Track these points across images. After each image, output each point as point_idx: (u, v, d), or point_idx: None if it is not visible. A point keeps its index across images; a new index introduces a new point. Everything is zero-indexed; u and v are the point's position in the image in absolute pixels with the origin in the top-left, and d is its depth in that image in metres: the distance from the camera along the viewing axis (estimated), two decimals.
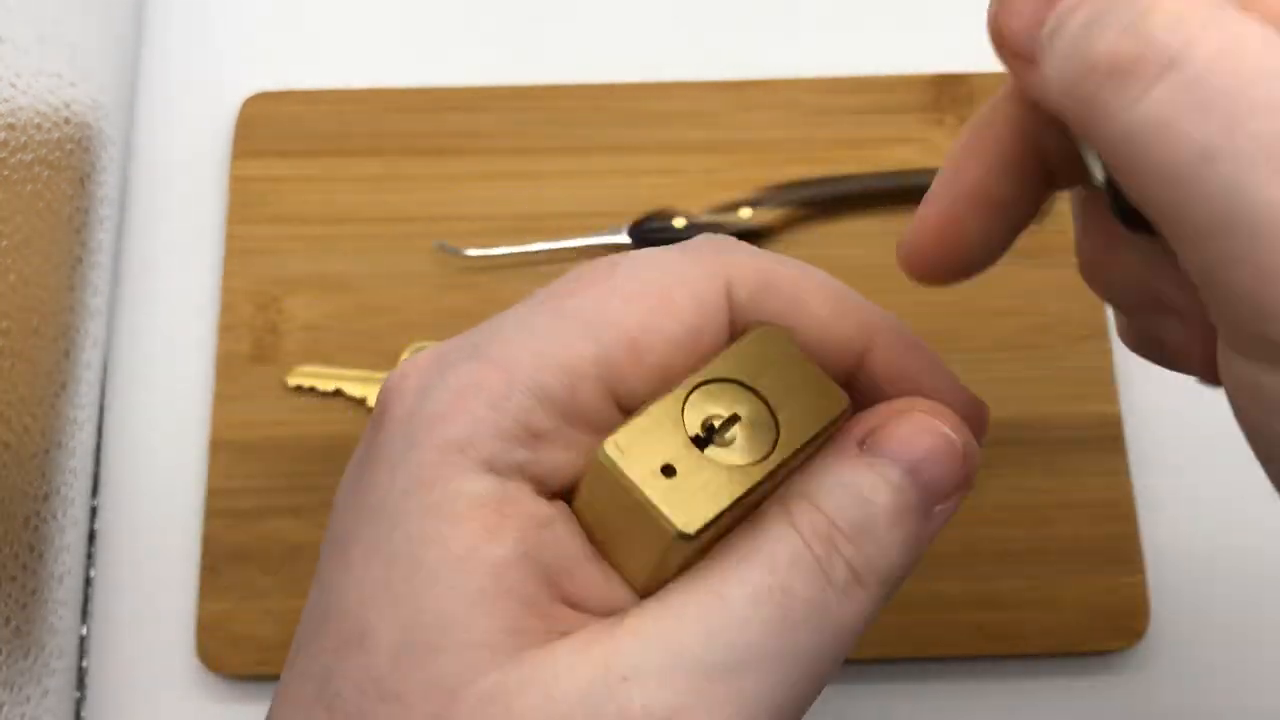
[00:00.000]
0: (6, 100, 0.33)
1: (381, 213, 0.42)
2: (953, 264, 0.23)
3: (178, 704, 0.38)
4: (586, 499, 0.22)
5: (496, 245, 0.41)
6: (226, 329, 0.41)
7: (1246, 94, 0.16)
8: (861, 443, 0.22)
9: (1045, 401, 0.40)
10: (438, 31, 0.46)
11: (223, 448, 0.39)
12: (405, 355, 0.40)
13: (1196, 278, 0.18)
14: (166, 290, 0.42)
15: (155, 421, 0.41)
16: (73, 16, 0.39)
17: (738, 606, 0.20)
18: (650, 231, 0.41)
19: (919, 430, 0.22)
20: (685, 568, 0.22)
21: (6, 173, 0.33)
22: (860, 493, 0.21)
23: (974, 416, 0.23)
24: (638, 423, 0.21)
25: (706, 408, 0.22)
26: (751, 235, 0.41)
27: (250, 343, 0.40)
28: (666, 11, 0.46)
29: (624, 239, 0.41)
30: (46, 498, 0.35)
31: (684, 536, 0.20)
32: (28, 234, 0.34)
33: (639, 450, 0.21)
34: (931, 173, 0.45)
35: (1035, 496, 0.39)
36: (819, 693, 0.22)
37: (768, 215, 0.41)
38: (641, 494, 0.20)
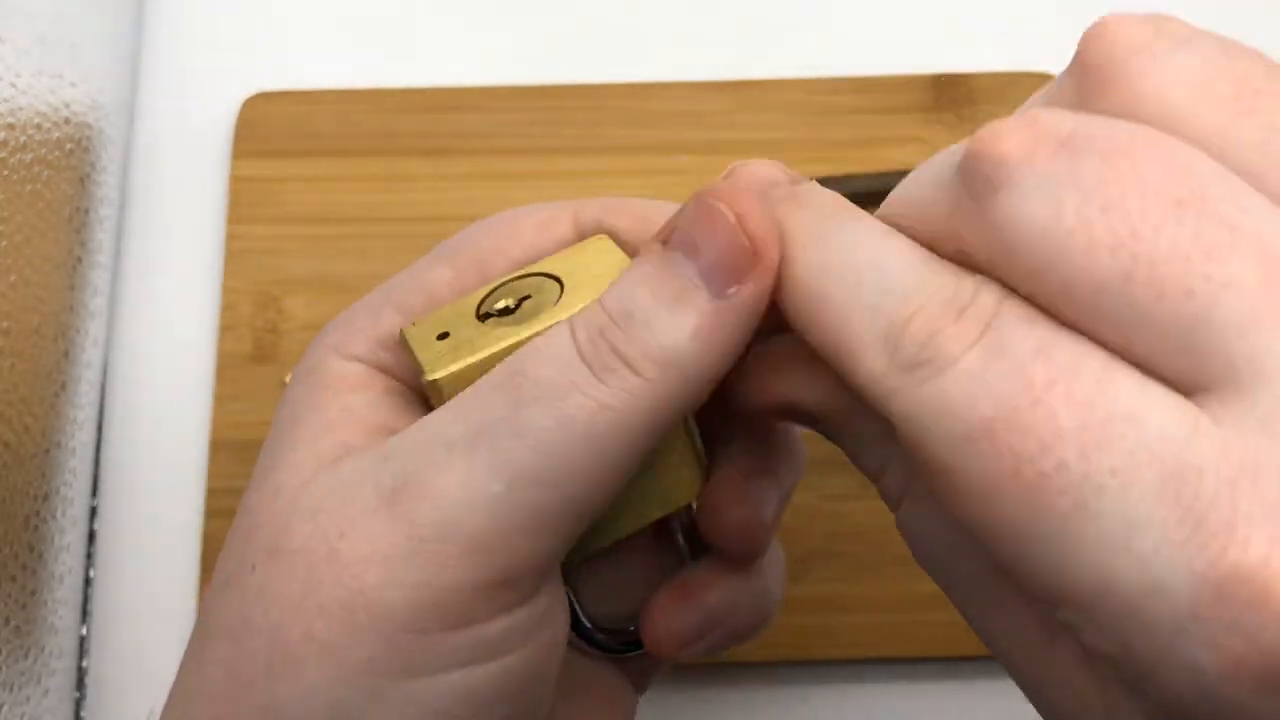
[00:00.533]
0: (6, 100, 0.33)
1: (382, 213, 0.42)
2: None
3: None
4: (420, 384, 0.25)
5: None
6: (226, 329, 0.41)
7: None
8: (665, 241, 0.23)
9: None
10: (438, 31, 0.46)
11: (223, 448, 0.39)
12: None
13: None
14: (166, 290, 0.42)
15: (155, 421, 0.41)
16: (73, 16, 0.39)
17: (483, 388, 0.23)
18: None
19: (695, 212, 0.23)
20: None
21: (6, 173, 0.33)
22: (640, 280, 0.23)
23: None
24: (441, 309, 0.25)
25: (513, 296, 0.25)
26: None
27: (250, 343, 0.40)
28: (666, 12, 0.46)
29: None
30: (46, 497, 0.35)
31: (433, 382, 0.23)
32: (28, 234, 0.34)
33: (430, 324, 0.25)
34: None
35: None
36: (587, 496, 0.22)
37: None
38: (411, 350, 0.24)
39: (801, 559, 0.38)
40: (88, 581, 0.39)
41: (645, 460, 0.23)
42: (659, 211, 0.26)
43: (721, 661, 0.37)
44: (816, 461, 0.39)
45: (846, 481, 0.39)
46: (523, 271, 0.25)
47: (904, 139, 0.43)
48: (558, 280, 0.25)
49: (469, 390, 0.23)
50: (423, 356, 0.24)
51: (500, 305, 0.25)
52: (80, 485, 0.38)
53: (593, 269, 0.24)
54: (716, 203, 0.22)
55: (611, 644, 0.28)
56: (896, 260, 0.20)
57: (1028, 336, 0.18)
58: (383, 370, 0.26)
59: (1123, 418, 0.17)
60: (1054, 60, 0.43)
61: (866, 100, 0.43)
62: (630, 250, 0.25)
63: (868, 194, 0.42)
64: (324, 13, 0.46)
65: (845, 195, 0.22)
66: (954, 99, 0.43)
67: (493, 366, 0.23)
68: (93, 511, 0.40)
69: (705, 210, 0.22)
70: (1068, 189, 0.17)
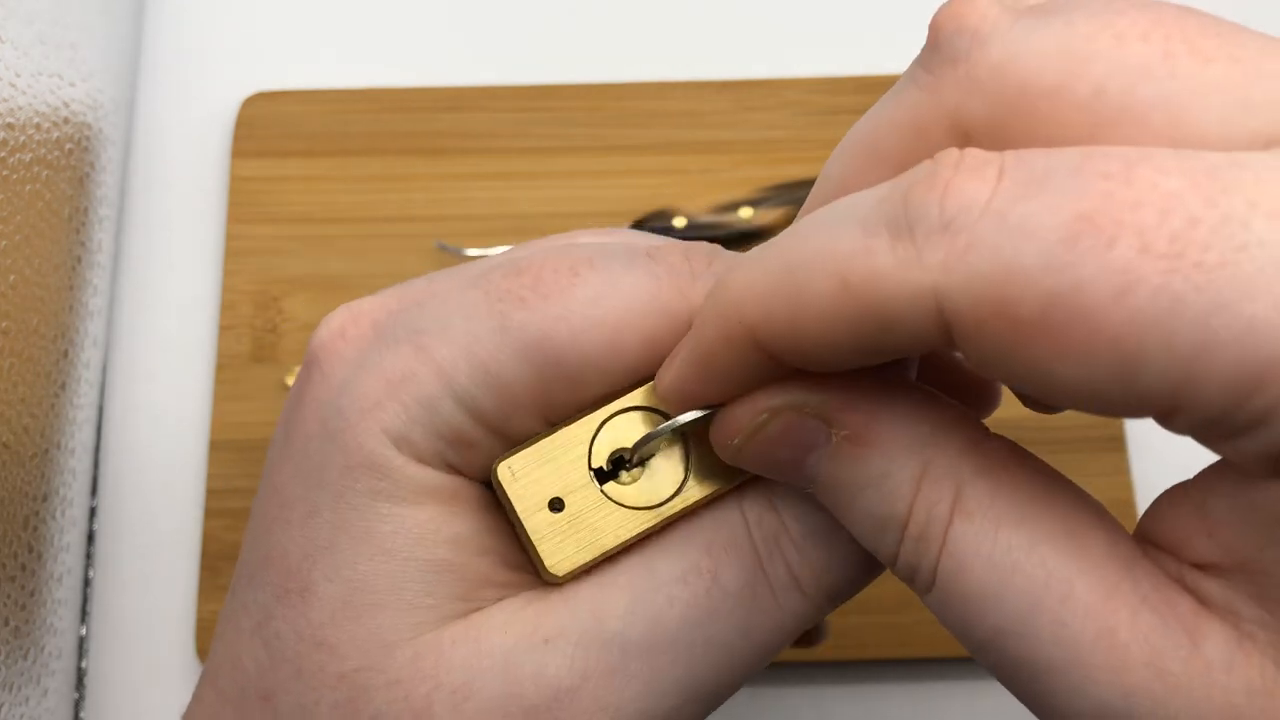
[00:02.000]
0: (6, 100, 0.33)
1: (381, 213, 0.42)
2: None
3: (177, 704, 0.38)
4: (502, 504, 0.22)
5: (496, 245, 0.41)
6: (226, 329, 0.41)
7: (980, 592, 0.17)
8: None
9: None
10: (437, 31, 0.46)
11: (223, 448, 0.39)
12: None
13: None
14: (166, 290, 0.42)
15: (155, 421, 0.41)
16: (72, 16, 0.39)
17: (663, 583, 0.20)
18: (651, 232, 0.41)
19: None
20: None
21: (6, 172, 0.33)
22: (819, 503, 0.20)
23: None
24: (541, 445, 0.21)
25: (624, 434, 0.21)
26: (752, 235, 0.41)
27: (250, 342, 0.40)
28: (667, 11, 0.46)
29: None
30: (46, 498, 0.35)
31: (553, 577, 0.20)
32: (27, 234, 0.34)
33: (534, 476, 0.21)
34: None
35: None
36: (737, 687, 0.21)
37: (768, 215, 0.41)
38: (522, 525, 0.20)
39: None
40: (87, 582, 0.39)
41: None
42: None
43: None
44: None
45: None
46: (628, 404, 0.21)
47: None
48: (681, 434, 0.21)
49: (647, 577, 0.20)
50: (540, 543, 0.20)
51: (615, 456, 0.21)
52: (79, 485, 0.38)
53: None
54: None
55: None
56: (849, 197, 0.16)
57: (1052, 153, 0.15)
58: (454, 470, 0.21)
59: (1227, 164, 0.14)
60: None
61: (866, 100, 0.43)
62: None
63: None
64: (323, 13, 0.46)
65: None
66: None
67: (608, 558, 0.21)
68: (92, 512, 0.40)
69: None
70: (1074, 9, 0.16)
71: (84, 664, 0.38)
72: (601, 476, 0.21)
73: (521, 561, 0.22)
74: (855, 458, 0.18)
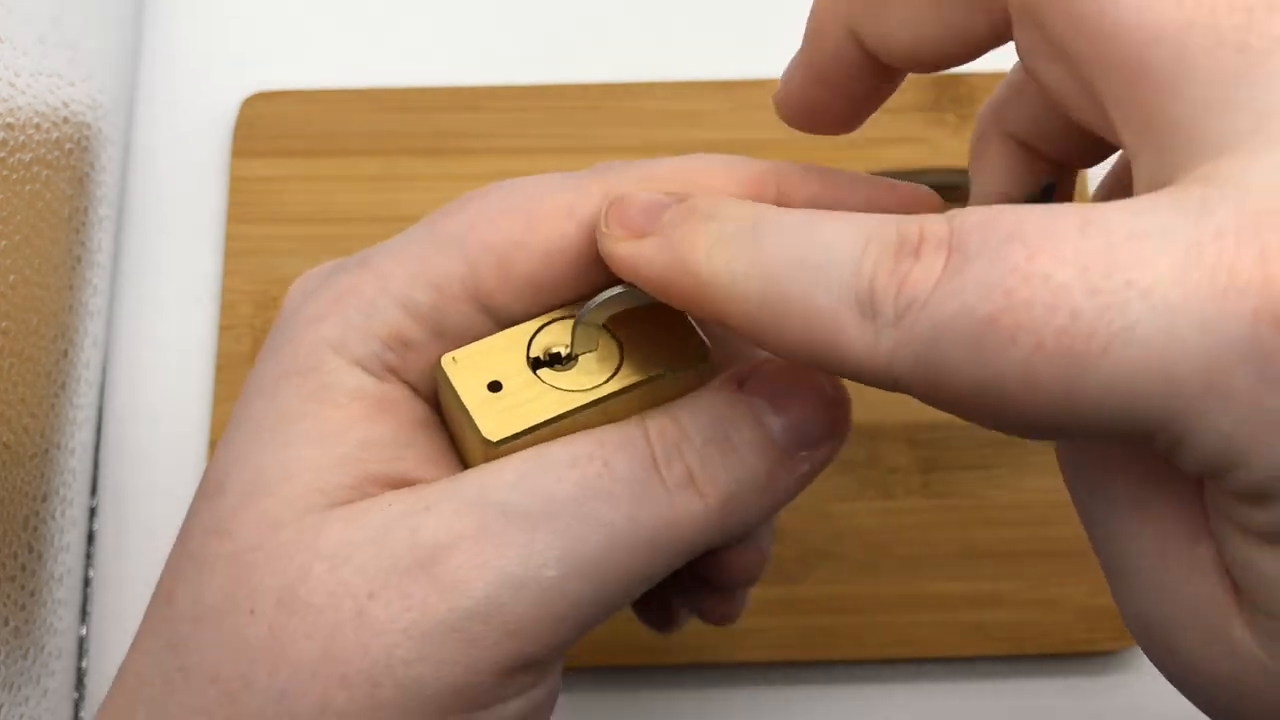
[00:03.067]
0: (6, 100, 0.33)
1: (381, 212, 0.42)
2: (820, 124, 0.24)
3: None
4: (441, 403, 0.24)
5: None
6: (226, 329, 0.41)
7: None
8: (741, 382, 0.23)
9: None
10: (438, 31, 0.46)
11: None
12: None
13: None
14: (166, 290, 0.42)
15: (155, 421, 0.41)
16: (72, 16, 0.39)
17: (553, 463, 0.21)
18: None
19: (793, 372, 0.23)
20: None
21: (6, 172, 0.33)
22: (720, 413, 0.22)
23: (914, 199, 0.24)
24: (485, 341, 0.23)
25: (561, 339, 0.23)
26: None
27: (250, 342, 0.40)
28: (667, 11, 0.46)
29: None
30: (45, 498, 0.35)
31: (489, 443, 0.22)
32: (27, 234, 0.34)
33: (475, 364, 0.23)
34: (932, 173, 0.45)
35: (1035, 496, 0.39)
36: (635, 585, 0.22)
37: None
38: (461, 402, 0.22)
39: (801, 559, 0.38)
40: (87, 582, 0.39)
41: None
42: (705, 174, 0.25)
43: (722, 661, 0.37)
44: None
45: (846, 482, 0.39)
46: (569, 311, 0.23)
47: (904, 139, 0.43)
48: (616, 339, 0.23)
49: (536, 459, 0.22)
50: (477, 413, 0.22)
51: (554, 352, 0.23)
52: (79, 485, 0.38)
53: (655, 337, 0.23)
54: (812, 374, 0.23)
55: None
56: (833, 230, 0.19)
57: (987, 228, 0.17)
58: (391, 373, 0.23)
59: (1126, 235, 0.16)
60: None
61: None
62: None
63: None
64: (323, 12, 0.46)
65: None
66: (954, 99, 0.43)
67: (553, 432, 0.22)
68: (92, 512, 0.40)
69: (799, 376, 0.23)
70: None
71: (84, 664, 0.38)
72: (538, 366, 0.23)
73: (433, 475, 0.23)
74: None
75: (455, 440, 0.24)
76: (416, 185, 0.42)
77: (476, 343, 0.23)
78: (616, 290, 0.22)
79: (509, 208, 0.23)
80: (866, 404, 0.40)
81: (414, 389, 0.23)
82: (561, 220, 0.23)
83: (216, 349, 0.40)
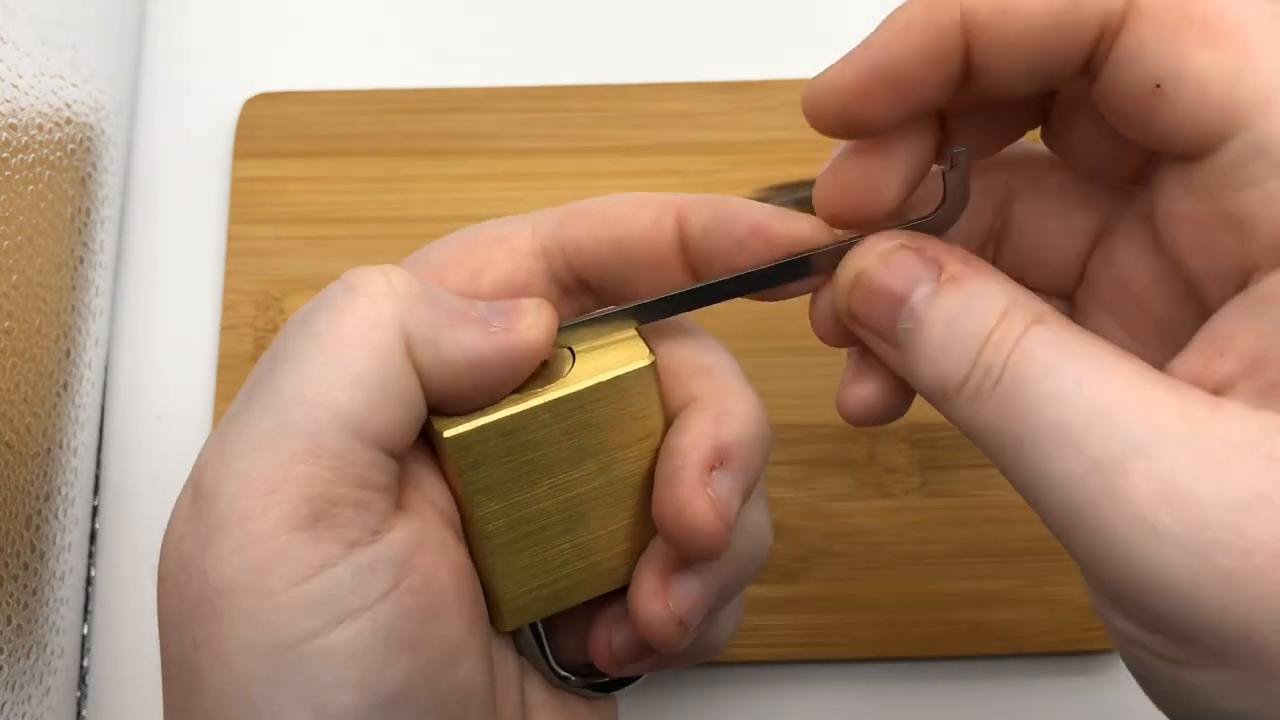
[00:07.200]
0: (8, 101, 0.33)
1: (382, 213, 0.42)
2: (852, 126, 0.25)
3: None
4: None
5: None
6: (228, 329, 0.41)
7: (1038, 390, 0.21)
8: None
9: None
10: (438, 32, 0.46)
11: None
12: None
13: (1063, 538, 0.21)
14: (168, 290, 0.42)
15: (157, 421, 0.41)
16: (74, 18, 0.39)
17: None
18: None
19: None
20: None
21: (9, 173, 0.33)
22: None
23: (798, 232, 0.25)
24: None
25: None
26: None
27: (252, 343, 0.40)
28: (667, 12, 0.46)
29: None
30: (48, 497, 0.36)
31: (445, 439, 0.24)
32: (29, 234, 0.34)
33: None
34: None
35: None
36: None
37: None
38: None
39: (801, 559, 0.38)
40: (89, 580, 0.39)
41: (560, 537, 0.26)
42: (618, 211, 0.26)
43: (722, 661, 0.37)
44: (817, 461, 0.39)
45: (846, 481, 0.39)
46: None
47: None
48: (570, 351, 0.26)
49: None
50: (435, 417, 0.25)
51: None
52: (82, 484, 0.38)
53: (607, 351, 0.26)
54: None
55: (584, 685, 0.29)
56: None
57: None
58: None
59: None
60: None
61: None
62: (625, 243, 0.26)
63: None
64: (324, 14, 0.46)
65: None
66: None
67: (506, 430, 0.24)
68: (94, 511, 0.40)
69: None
70: None
71: (86, 662, 0.38)
72: None
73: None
74: (955, 293, 0.22)
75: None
76: (418, 186, 0.42)
77: None
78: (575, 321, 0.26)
79: (450, 239, 0.27)
80: None
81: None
82: (492, 246, 0.26)
83: (218, 349, 0.41)
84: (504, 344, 0.24)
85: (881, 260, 0.23)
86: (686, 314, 0.27)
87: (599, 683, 0.29)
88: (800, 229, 0.25)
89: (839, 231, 0.25)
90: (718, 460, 0.25)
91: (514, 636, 0.27)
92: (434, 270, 0.26)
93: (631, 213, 0.26)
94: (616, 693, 0.29)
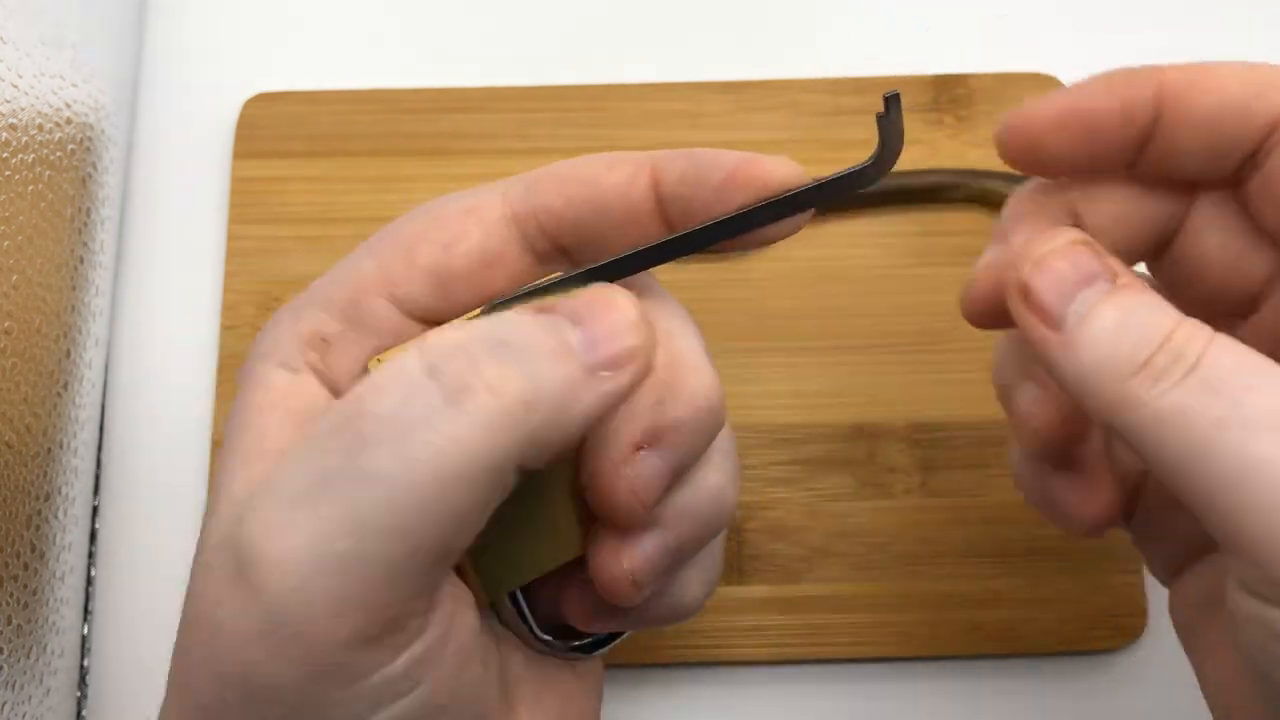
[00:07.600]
0: (8, 101, 0.33)
1: (382, 213, 0.42)
2: (1038, 157, 0.25)
3: None
4: None
5: None
6: (228, 329, 0.41)
7: (1241, 381, 0.21)
8: (541, 309, 0.24)
9: None
10: (438, 32, 0.46)
11: None
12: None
13: (1217, 533, 0.21)
14: (168, 290, 0.42)
15: (157, 421, 0.41)
16: (74, 18, 0.39)
17: (322, 432, 0.22)
18: None
19: (598, 292, 0.24)
20: None
21: (8, 173, 0.33)
22: (513, 317, 0.23)
23: (771, 172, 0.26)
24: (406, 342, 0.26)
25: None
26: None
27: (252, 342, 0.40)
28: (667, 12, 0.46)
29: None
30: (48, 497, 0.36)
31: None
32: (29, 234, 0.34)
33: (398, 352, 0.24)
34: (932, 173, 0.44)
35: None
36: (440, 530, 0.21)
37: None
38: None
39: (801, 559, 0.38)
40: (89, 581, 0.39)
41: (525, 508, 0.24)
42: (590, 170, 0.26)
43: (721, 661, 0.37)
44: (816, 461, 0.39)
45: (846, 481, 0.39)
46: (494, 301, 0.26)
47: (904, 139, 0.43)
48: None
49: (310, 435, 0.22)
50: None
51: None
52: (82, 484, 0.38)
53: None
54: (615, 296, 0.24)
55: (566, 648, 0.28)
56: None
57: None
58: (312, 369, 0.26)
59: None
60: (1053, 60, 0.43)
61: (866, 100, 0.43)
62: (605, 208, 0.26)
63: (869, 194, 0.42)
64: (324, 14, 0.46)
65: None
66: (954, 99, 0.43)
67: None
68: (94, 511, 0.40)
69: (599, 298, 0.24)
70: None
71: (86, 662, 0.38)
72: None
73: None
74: (1131, 295, 0.23)
75: None
76: (418, 187, 0.42)
77: (398, 345, 0.26)
78: (526, 287, 0.25)
79: (417, 214, 0.27)
80: (865, 403, 0.40)
81: (334, 386, 0.26)
82: (461, 218, 0.26)
83: (218, 349, 0.41)
84: (613, 391, 0.23)
85: (1066, 249, 0.24)
86: (652, 278, 0.26)
87: (580, 644, 0.29)
88: (777, 169, 0.25)
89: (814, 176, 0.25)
90: (647, 441, 0.24)
91: (493, 608, 0.27)
92: (403, 246, 0.26)
93: (604, 171, 0.26)
94: (597, 653, 0.29)
